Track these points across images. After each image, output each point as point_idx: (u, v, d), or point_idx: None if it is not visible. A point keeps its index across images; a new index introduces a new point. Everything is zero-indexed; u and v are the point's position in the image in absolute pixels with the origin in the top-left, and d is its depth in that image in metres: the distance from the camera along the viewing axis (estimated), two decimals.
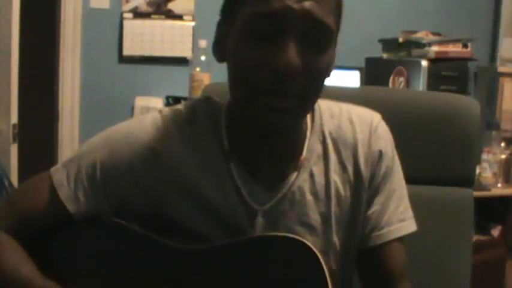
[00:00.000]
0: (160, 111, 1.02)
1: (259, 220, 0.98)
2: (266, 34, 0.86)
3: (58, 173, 1.01)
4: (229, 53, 0.92)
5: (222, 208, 0.97)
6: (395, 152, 1.05)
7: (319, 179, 1.00)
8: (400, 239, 1.04)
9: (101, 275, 0.99)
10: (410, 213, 1.05)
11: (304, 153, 1.00)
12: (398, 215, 1.03)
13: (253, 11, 0.87)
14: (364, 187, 1.02)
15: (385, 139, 1.04)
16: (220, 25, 0.96)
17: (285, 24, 0.86)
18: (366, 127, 1.02)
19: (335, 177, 1.01)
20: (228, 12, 0.93)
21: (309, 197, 0.99)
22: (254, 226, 0.98)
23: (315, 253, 0.91)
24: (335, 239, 1.01)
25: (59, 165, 1.02)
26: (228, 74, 0.93)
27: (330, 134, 1.01)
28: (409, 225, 1.04)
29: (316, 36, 0.88)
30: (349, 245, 1.02)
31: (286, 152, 0.99)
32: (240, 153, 0.98)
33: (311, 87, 0.90)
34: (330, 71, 0.93)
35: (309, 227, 0.99)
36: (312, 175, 1.00)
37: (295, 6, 0.85)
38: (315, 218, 1.00)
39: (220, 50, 0.96)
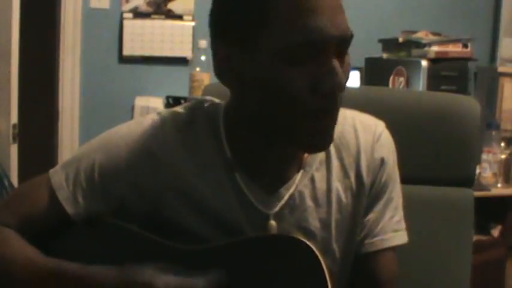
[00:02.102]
0: (159, 113, 1.02)
1: (272, 223, 0.97)
2: (307, 58, 0.86)
3: (57, 175, 1.01)
4: (261, 80, 0.88)
5: (225, 215, 0.97)
6: (396, 161, 1.06)
7: (320, 185, 1.00)
8: (393, 249, 1.03)
9: None
10: (403, 224, 1.05)
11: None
12: (392, 225, 1.03)
13: (291, 40, 0.85)
14: (365, 194, 1.02)
15: (387, 147, 1.04)
16: (218, 47, 0.92)
17: (325, 47, 0.86)
18: (369, 134, 1.03)
19: (337, 184, 1.00)
20: (237, 38, 0.89)
21: (309, 203, 0.99)
22: (268, 231, 0.97)
23: (315, 253, 0.90)
24: (334, 246, 1.01)
25: (57, 167, 1.02)
26: (256, 100, 0.91)
27: (333, 140, 1.01)
28: (402, 237, 1.04)
29: (347, 44, 0.90)
30: (348, 252, 1.02)
31: (289, 152, 0.99)
32: (242, 159, 0.97)
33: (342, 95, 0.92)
34: None
35: (308, 233, 0.99)
36: (313, 181, 0.99)
37: (333, 32, 0.86)
38: (314, 224, 0.99)
39: (231, 75, 0.92)
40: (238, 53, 0.90)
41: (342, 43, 0.88)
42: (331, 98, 0.88)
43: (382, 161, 1.02)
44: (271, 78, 0.87)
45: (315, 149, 0.94)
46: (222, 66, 0.93)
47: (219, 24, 0.92)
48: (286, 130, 0.91)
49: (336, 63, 0.87)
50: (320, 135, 0.91)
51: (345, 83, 0.90)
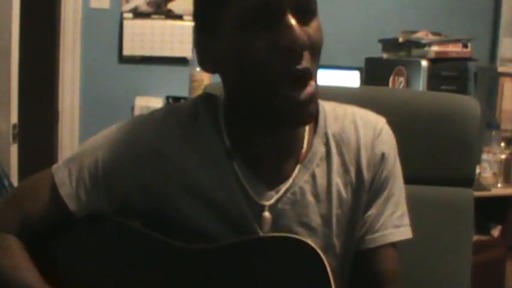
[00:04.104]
0: (162, 109, 1.03)
1: (266, 215, 0.98)
2: (263, 20, 0.88)
3: (60, 171, 1.01)
4: (229, 54, 0.91)
5: (227, 205, 0.97)
6: (397, 157, 1.05)
7: (321, 180, 1.00)
8: (394, 245, 1.03)
9: (103, 274, 0.99)
10: (406, 220, 1.05)
11: (305, 147, 1.00)
12: (393, 221, 1.03)
13: (245, 5, 0.88)
14: (365, 190, 1.02)
15: (388, 143, 1.04)
16: (199, 42, 0.97)
17: (277, 8, 0.88)
18: (370, 130, 1.03)
19: (337, 179, 1.00)
20: (206, 24, 0.95)
21: (310, 199, 0.99)
22: (261, 222, 0.98)
23: (318, 254, 0.91)
24: (335, 241, 1.01)
25: (60, 163, 1.02)
26: (233, 77, 0.94)
27: (334, 136, 1.02)
28: (404, 232, 1.04)
29: (306, 5, 0.90)
30: (348, 247, 1.02)
31: (287, 147, 0.99)
32: (241, 150, 0.98)
33: (316, 62, 0.92)
34: (322, 43, 0.94)
35: (309, 228, 0.99)
36: (314, 177, 1.00)
37: None
38: (315, 219, 1.00)
39: (210, 61, 0.96)
40: (213, 40, 0.94)
41: (299, 5, 0.89)
42: (294, 55, 0.88)
43: (383, 157, 1.02)
44: (236, 49, 0.90)
45: (295, 121, 0.93)
46: (204, 58, 0.97)
47: (195, 20, 0.98)
48: (264, 103, 0.91)
49: (291, 20, 0.88)
50: (298, 105, 0.90)
51: (314, 43, 0.90)
